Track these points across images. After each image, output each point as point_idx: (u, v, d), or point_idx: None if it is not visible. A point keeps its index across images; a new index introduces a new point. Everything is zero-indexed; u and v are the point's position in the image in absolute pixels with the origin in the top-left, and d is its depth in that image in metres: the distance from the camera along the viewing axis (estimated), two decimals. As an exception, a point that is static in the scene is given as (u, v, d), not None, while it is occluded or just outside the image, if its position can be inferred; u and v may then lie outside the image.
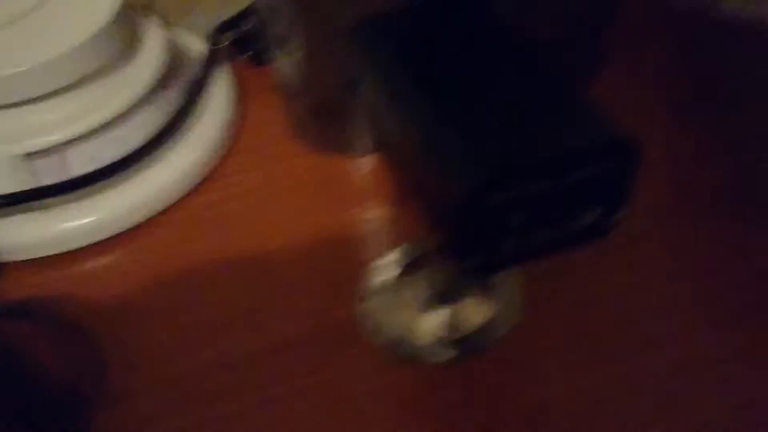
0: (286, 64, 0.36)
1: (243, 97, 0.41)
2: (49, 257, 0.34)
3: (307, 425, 0.28)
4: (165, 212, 0.36)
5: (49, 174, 0.34)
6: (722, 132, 0.36)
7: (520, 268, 0.32)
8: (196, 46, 0.42)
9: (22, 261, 0.34)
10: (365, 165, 0.37)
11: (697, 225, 0.34)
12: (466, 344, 0.30)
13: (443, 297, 0.31)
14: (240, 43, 0.42)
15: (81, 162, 0.34)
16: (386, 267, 0.33)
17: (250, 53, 0.42)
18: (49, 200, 0.34)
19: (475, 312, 0.31)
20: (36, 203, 0.34)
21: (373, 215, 0.36)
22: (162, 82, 0.37)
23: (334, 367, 0.29)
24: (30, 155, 0.33)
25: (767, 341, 0.29)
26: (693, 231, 0.33)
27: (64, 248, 0.35)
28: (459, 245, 0.22)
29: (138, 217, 0.36)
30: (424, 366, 0.30)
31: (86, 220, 0.35)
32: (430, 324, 0.31)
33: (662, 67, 0.42)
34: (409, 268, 0.33)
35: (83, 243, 0.35)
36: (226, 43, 0.41)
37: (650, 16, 0.43)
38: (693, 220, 0.34)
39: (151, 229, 0.36)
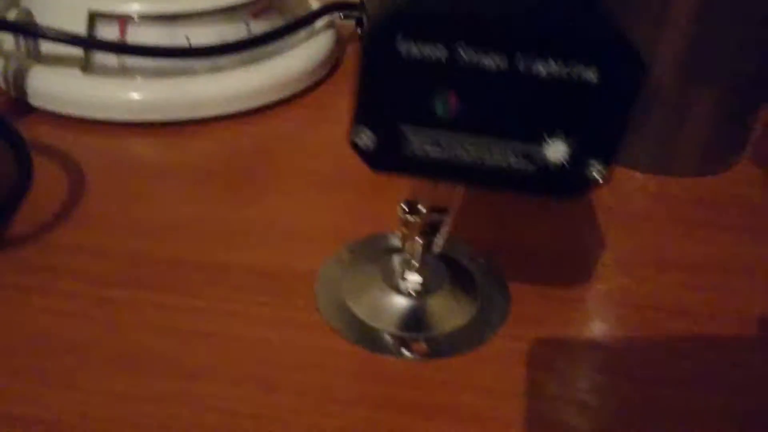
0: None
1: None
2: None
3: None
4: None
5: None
6: None
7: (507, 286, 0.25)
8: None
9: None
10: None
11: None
12: (427, 342, 0.23)
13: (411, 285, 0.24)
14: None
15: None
16: (359, 247, 0.27)
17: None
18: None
19: (444, 313, 0.24)
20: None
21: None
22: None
23: (279, 305, 0.24)
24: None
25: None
26: None
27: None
28: (363, 104, 0.16)
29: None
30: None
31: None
32: (392, 312, 0.24)
33: None
34: (377, 254, 0.26)
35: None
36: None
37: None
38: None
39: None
